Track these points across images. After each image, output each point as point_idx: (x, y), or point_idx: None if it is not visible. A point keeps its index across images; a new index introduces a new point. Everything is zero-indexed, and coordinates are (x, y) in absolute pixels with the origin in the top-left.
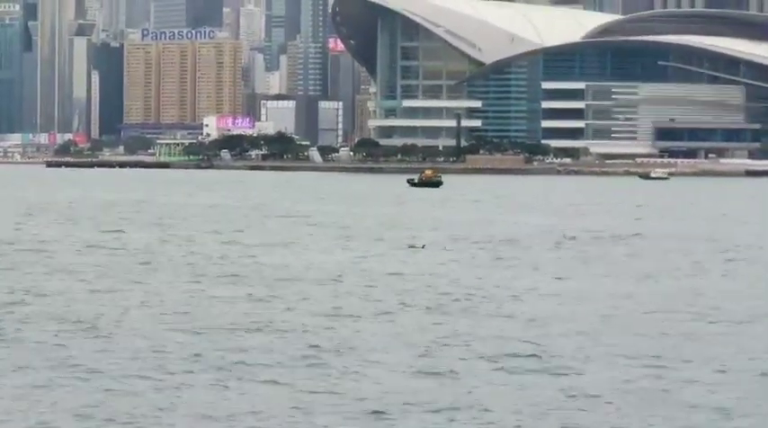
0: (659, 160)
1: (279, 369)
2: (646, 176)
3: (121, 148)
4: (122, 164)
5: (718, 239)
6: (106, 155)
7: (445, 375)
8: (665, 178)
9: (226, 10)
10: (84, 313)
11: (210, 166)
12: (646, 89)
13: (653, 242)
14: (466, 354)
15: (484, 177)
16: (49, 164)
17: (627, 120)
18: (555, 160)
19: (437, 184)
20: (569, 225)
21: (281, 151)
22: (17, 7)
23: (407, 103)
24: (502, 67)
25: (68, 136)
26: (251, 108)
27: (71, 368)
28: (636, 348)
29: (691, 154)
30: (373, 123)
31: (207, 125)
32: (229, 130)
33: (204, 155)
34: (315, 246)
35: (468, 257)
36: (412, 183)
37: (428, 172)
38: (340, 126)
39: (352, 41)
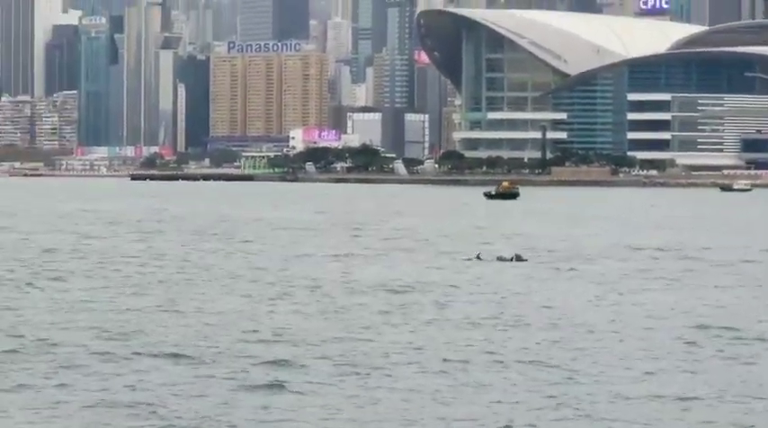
0: (745, 172)
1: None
2: (728, 188)
3: (207, 161)
4: (206, 177)
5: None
6: (192, 167)
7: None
8: (748, 189)
9: (313, 22)
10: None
11: (295, 179)
12: (732, 100)
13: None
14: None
15: (567, 189)
16: (134, 177)
17: (713, 131)
18: (641, 172)
19: (514, 196)
20: (617, 238)
21: (365, 163)
22: (103, 20)
23: (492, 115)
24: (587, 79)
25: (154, 149)
26: (337, 120)
27: None
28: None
29: None
30: (458, 135)
31: (293, 138)
32: (315, 143)
33: (289, 167)
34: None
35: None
36: (489, 196)
37: (505, 183)
38: (426, 138)
39: (437, 53)
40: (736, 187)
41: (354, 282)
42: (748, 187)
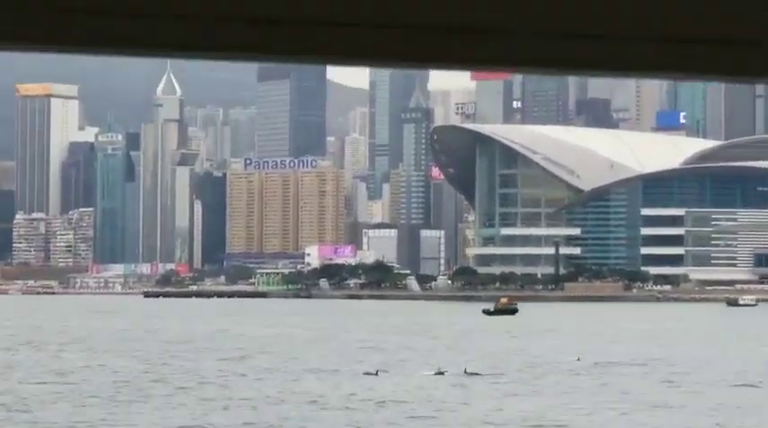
0: (759, 287)
1: None
2: (734, 303)
3: (223, 278)
4: (220, 294)
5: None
6: (207, 284)
7: None
8: (753, 305)
9: (330, 139)
10: None
11: (309, 296)
12: (745, 215)
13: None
14: None
15: (575, 305)
16: (147, 295)
17: (727, 246)
18: (654, 287)
19: (513, 312)
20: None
21: (379, 280)
22: (120, 137)
23: (506, 231)
24: (601, 194)
25: (171, 266)
26: (353, 237)
27: None
28: None
29: None
30: (471, 251)
31: (309, 254)
32: (331, 259)
33: (303, 284)
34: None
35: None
36: (488, 312)
37: (503, 300)
38: (442, 254)
39: (450, 169)
40: (741, 302)
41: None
42: (753, 302)
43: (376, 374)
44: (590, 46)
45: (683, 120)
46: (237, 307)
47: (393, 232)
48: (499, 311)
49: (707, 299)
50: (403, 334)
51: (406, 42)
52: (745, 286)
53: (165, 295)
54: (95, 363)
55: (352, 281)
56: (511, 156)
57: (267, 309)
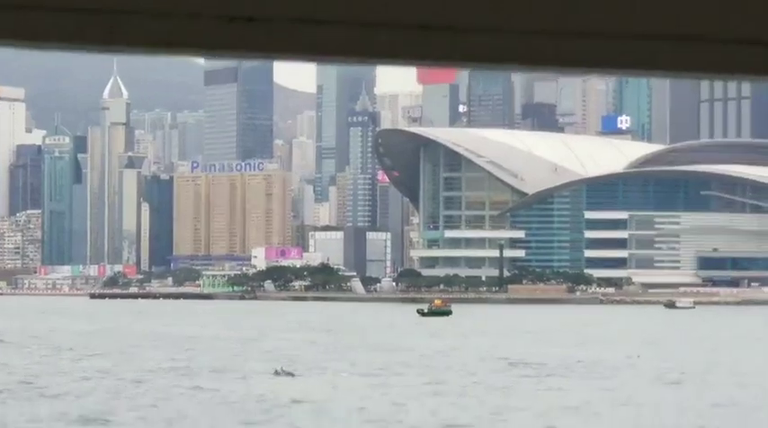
0: (701, 290)
1: None
2: (671, 305)
3: (170, 280)
4: (166, 296)
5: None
6: (155, 286)
7: None
8: (691, 307)
9: (278, 142)
10: None
11: (254, 297)
12: (689, 218)
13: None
14: None
15: (512, 308)
16: (93, 296)
17: (670, 249)
18: (598, 289)
19: (446, 314)
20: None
21: (323, 282)
22: (67, 140)
23: (450, 234)
24: (545, 197)
25: (118, 267)
26: (300, 239)
27: None
28: None
29: (734, 283)
30: (416, 253)
31: (255, 256)
32: (277, 262)
33: (248, 285)
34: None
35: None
36: (421, 313)
37: (437, 301)
38: (388, 256)
39: (395, 172)
40: (679, 305)
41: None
42: (691, 305)
43: (287, 374)
44: (607, 45)
45: (627, 125)
46: (170, 309)
47: (339, 234)
48: (433, 312)
49: (649, 302)
50: (304, 333)
51: (388, 39)
52: (689, 289)
53: (111, 296)
54: None
55: (297, 283)
56: (455, 159)
57: (196, 310)
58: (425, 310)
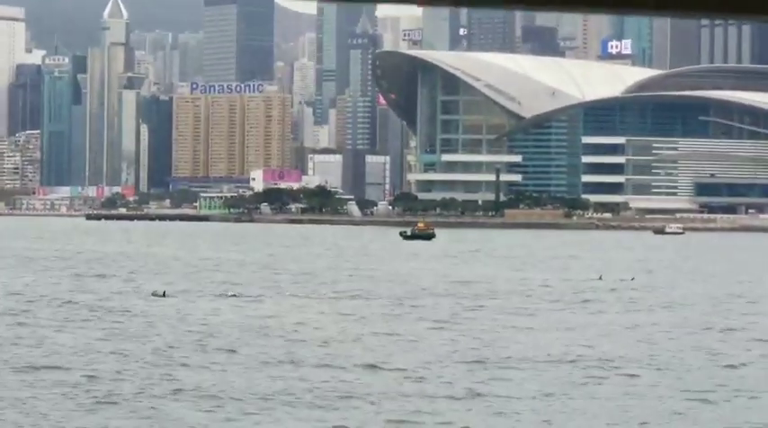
0: (699, 216)
1: None
2: (660, 231)
3: (168, 202)
4: (162, 217)
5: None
6: (152, 208)
7: None
8: (680, 233)
9: (279, 64)
10: None
11: (251, 220)
12: (686, 144)
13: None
14: None
15: (505, 232)
16: (89, 217)
17: (667, 175)
18: (594, 215)
19: (429, 237)
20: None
21: (320, 205)
22: (66, 60)
23: (447, 157)
24: (542, 122)
25: (117, 189)
26: (299, 162)
27: None
28: None
29: (731, 209)
30: (413, 177)
31: (254, 179)
32: (276, 184)
33: (245, 208)
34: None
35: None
36: (405, 236)
37: (420, 225)
38: (387, 180)
39: (393, 95)
40: (668, 230)
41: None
42: (681, 231)
43: (163, 295)
44: None
45: (627, 50)
46: (155, 231)
47: (338, 157)
48: (416, 236)
49: (644, 228)
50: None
51: None
52: (685, 215)
53: (107, 217)
54: None
55: (293, 206)
56: (453, 82)
57: (185, 232)
58: (408, 233)
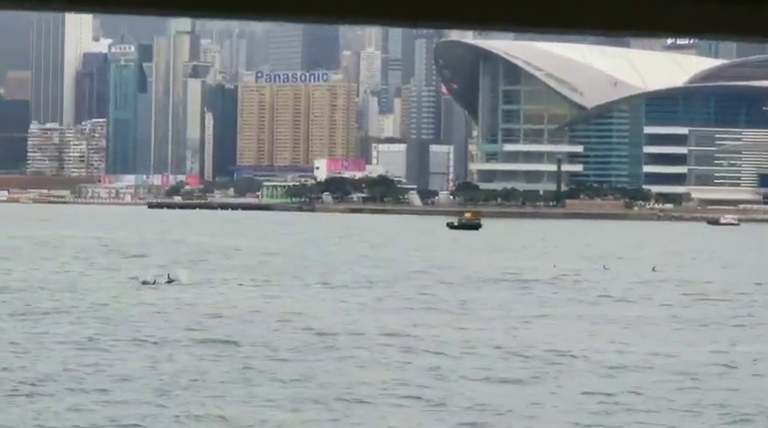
0: (762, 207)
1: None
2: (714, 222)
3: (232, 190)
4: (224, 206)
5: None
6: (216, 196)
7: None
8: (735, 224)
9: (346, 53)
10: None
11: (312, 209)
12: (750, 135)
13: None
14: None
15: (564, 222)
16: (151, 206)
17: (730, 165)
18: (656, 205)
19: (476, 227)
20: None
21: (381, 194)
22: (132, 48)
23: (509, 147)
24: (604, 112)
25: (182, 177)
26: (364, 151)
27: None
28: None
29: None
30: (474, 167)
31: (317, 168)
32: (340, 173)
33: (307, 197)
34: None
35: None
36: (451, 226)
37: (467, 215)
38: (451, 169)
39: (454, 85)
40: (723, 221)
41: None
42: (736, 222)
43: (153, 283)
44: (605, 5)
45: (693, 40)
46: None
47: (402, 147)
48: (463, 225)
49: (706, 219)
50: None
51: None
52: (749, 206)
53: (169, 206)
54: None
55: (355, 195)
56: (515, 72)
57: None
58: (455, 223)
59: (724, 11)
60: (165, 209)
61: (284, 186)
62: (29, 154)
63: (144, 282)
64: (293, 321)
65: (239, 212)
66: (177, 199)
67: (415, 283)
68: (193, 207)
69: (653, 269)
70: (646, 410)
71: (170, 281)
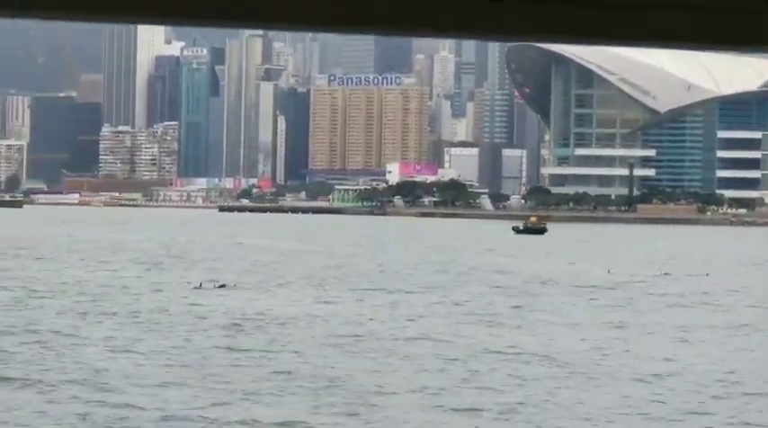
0: None
1: None
2: None
3: (303, 194)
4: (294, 210)
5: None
6: (288, 200)
7: None
8: None
9: (420, 56)
10: None
11: (383, 213)
12: None
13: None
14: None
15: (637, 227)
16: (222, 209)
17: None
18: (729, 210)
19: (541, 231)
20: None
21: (452, 198)
22: (205, 51)
23: (580, 151)
24: (677, 116)
25: (253, 181)
26: (436, 155)
27: None
28: None
29: None
30: (546, 171)
31: (390, 171)
32: (412, 177)
33: (378, 201)
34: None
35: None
36: (517, 230)
37: (533, 219)
38: (524, 174)
39: (526, 89)
40: None
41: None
42: None
43: (200, 287)
44: (618, 15)
45: None
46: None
47: (474, 151)
48: (528, 230)
49: None
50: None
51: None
52: None
53: (240, 210)
54: None
55: (426, 199)
56: (587, 75)
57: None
58: (521, 227)
59: (721, 19)
60: (236, 213)
61: (355, 190)
62: (101, 157)
63: (196, 287)
64: (330, 325)
65: (309, 216)
66: (248, 202)
67: (470, 289)
68: (264, 210)
69: (706, 274)
70: None
71: (221, 286)
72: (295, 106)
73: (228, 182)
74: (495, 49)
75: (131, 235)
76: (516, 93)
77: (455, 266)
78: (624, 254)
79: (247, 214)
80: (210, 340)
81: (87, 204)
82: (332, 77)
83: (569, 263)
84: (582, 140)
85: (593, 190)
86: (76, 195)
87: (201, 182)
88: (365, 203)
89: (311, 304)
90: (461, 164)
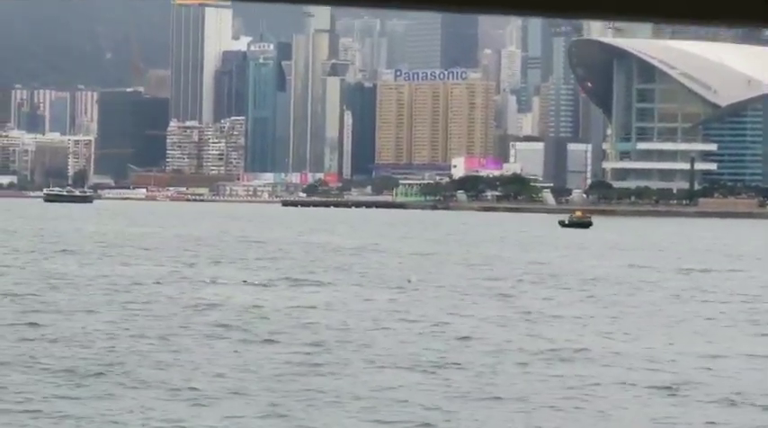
0: None
1: None
2: None
3: (369, 188)
4: (358, 205)
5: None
6: (354, 194)
7: None
8: None
9: (487, 51)
10: None
11: (446, 207)
12: None
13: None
14: None
15: (697, 221)
16: (285, 204)
17: None
18: None
19: (587, 225)
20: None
21: (515, 192)
22: (271, 47)
23: (642, 146)
24: (738, 110)
25: (320, 175)
26: (502, 149)
27: None
28: None
29: None
30: (608, 165)
31: (455, 166)
32: (477, 171)
33: (441, 195)
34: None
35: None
36: (563, 224)
37: (578, 213)
38: (588, 168)
39: (589, 83)
40: None
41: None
42: None
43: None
44: None
45: None
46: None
47: (540, 145)
48: (573, 224)
49: None
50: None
51: None
52: None
53: (303, 204)
54: None
55: (489, 193)
56: (648, 70)
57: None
58: (566, 221)
59: None
60: (300, 207)
61: (419, 184)
62: (168, 152)
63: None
64: (338, 320)
65: (372, 210)
66: (314, 197)
67: (506, 284)
68: (327, 205)
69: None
70: None
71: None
72: (361, 101)
73: (295, 177)
74: (559, 43)
75: (167, 230)
76: (579, 88)
77: (498, 260)
78: (674, 248)
79: (311, 209)
80: None
81: (153, 199)
82: (398, 72)
83: (610, 259)
84: (643, 135)
85: (655, 184)
86: (143, 190)
87: (268, 177)
88: (428, 198)
89: (336, 300)
90: (527, 159)
